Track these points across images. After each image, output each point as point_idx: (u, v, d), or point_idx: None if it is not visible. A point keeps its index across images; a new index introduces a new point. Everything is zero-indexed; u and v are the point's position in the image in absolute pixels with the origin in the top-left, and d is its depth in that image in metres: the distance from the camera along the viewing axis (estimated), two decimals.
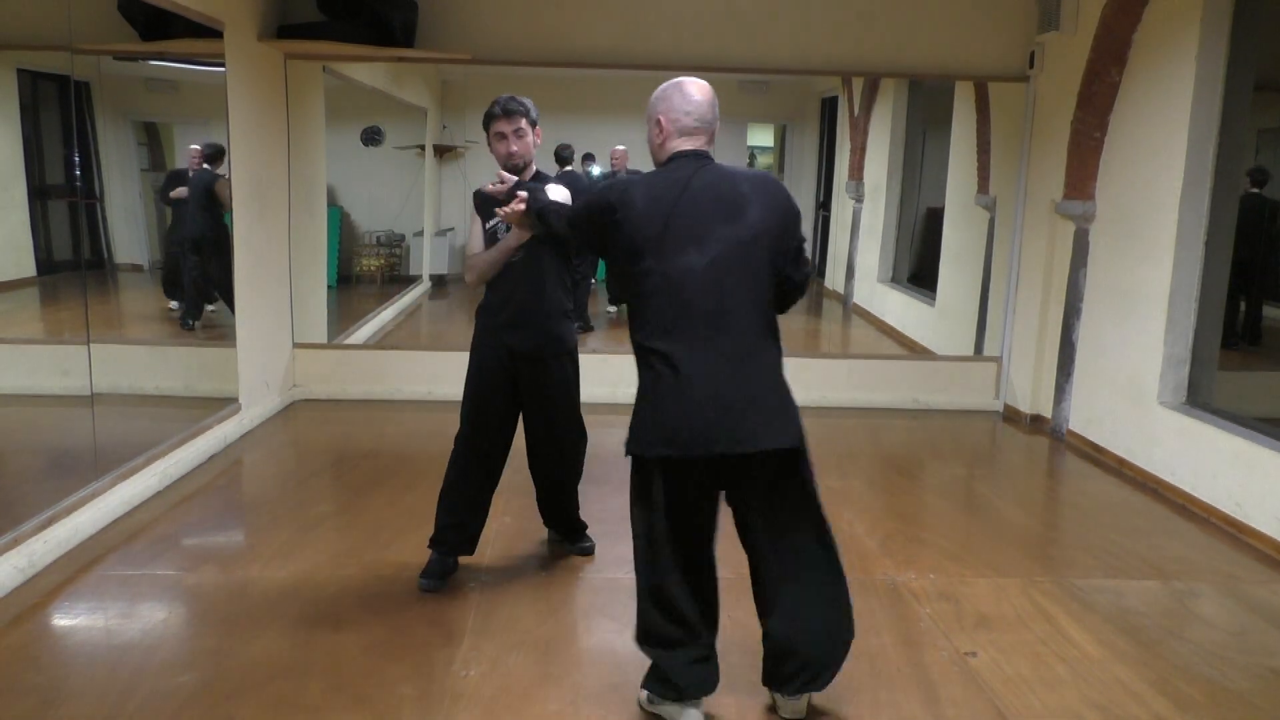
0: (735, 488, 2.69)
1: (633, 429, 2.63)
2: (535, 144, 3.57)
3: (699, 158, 2.64)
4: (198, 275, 5.98)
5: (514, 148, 3.51)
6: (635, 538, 2.73)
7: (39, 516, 3.76)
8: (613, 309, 9.48)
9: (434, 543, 3.69)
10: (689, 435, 2.52)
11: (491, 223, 3.60)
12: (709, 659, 2.76)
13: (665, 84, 2.72)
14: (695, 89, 2.67)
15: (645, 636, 2.76)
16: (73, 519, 3.94)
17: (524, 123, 3.51)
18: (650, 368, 2.59)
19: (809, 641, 2.71)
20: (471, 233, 3.69)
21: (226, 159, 5.40)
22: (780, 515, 2.67)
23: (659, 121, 2.67)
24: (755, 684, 3.00)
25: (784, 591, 2.72)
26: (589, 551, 3.95)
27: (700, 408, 2.51)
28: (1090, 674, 3.15)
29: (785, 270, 2.65)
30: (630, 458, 2.67)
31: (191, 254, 5.93)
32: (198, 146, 5.77)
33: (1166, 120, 5.07)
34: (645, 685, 2.80)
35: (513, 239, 3.48)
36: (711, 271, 2.53)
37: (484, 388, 3.64)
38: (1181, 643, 3.39)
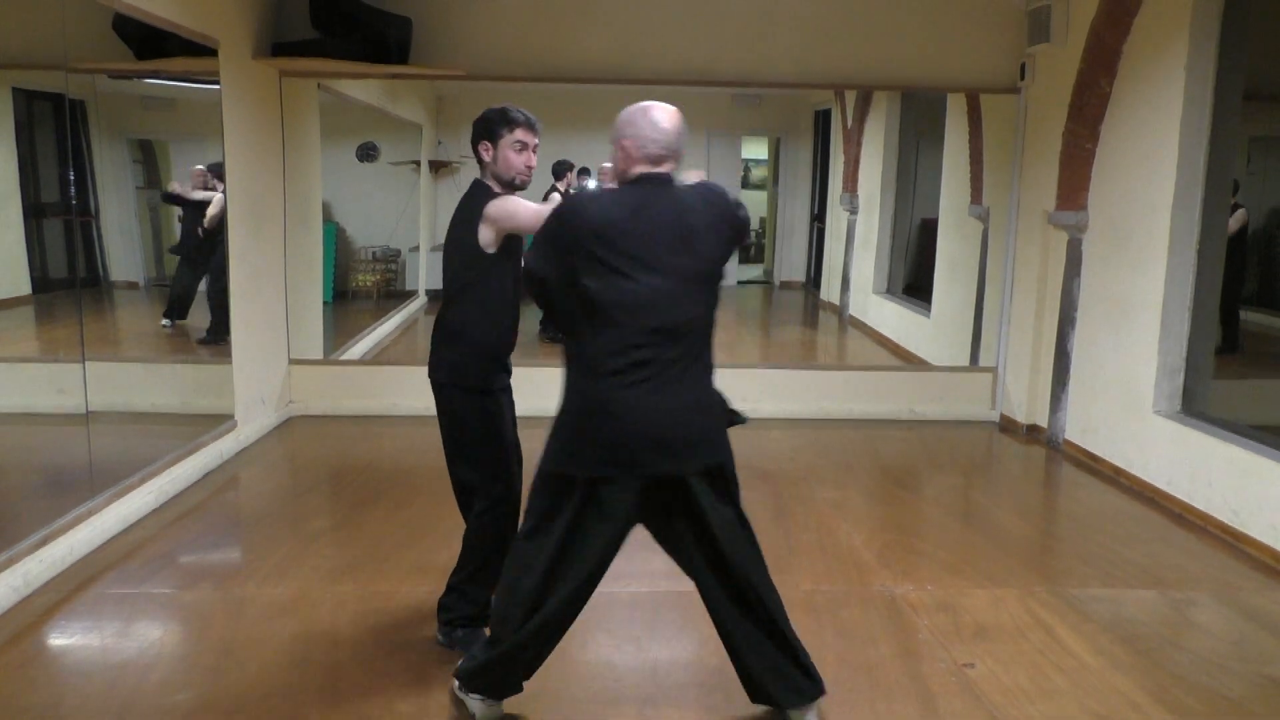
0: (665, 516, 2.70)
1: (562, 446, 2.63)
2: None
3: (659, 182, 2.63)
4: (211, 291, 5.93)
5: (532, 162, 3.27)
6: (528, 545, 2.68)
7: (35, 535, 3.75)
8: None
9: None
10: (629, 455, 2.56)
11: None
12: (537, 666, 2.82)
13: (632, 108, 2.67)
14: (664, 117, 2.64)
15: (502, 639, 2.75)
16: (69, 537, 3.93)
17: (537, 139, 3.31)
18: (590, 385, 2.58)
19: (760, 675, 2.79)
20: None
21: (223, 175, 5.43)
22: (715, 542, 2.68)
23: (624, 146, 2.64)
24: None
25: (724, 623, 2.78)
26: None
27: (642, 429, 2.55)
28: (1088, 684, 3.14)
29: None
30: (542, 471, 2.69)
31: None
32: (201, 168, 5.73)
33: (1157, 130, 5.10)
34: (466, 681, 2.82)
35: None
36: (659, 296, 2.55)
37: (510, 432, 3.26)
38: (1179, 651, 3.39)
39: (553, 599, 2.65)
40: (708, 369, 2.69)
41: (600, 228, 2.55)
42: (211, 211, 5.67)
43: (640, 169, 2.63)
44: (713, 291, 2.68)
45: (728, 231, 2.68)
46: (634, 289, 2.53)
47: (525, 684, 2.84)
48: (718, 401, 2.72)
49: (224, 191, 5.51)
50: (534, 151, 3.24)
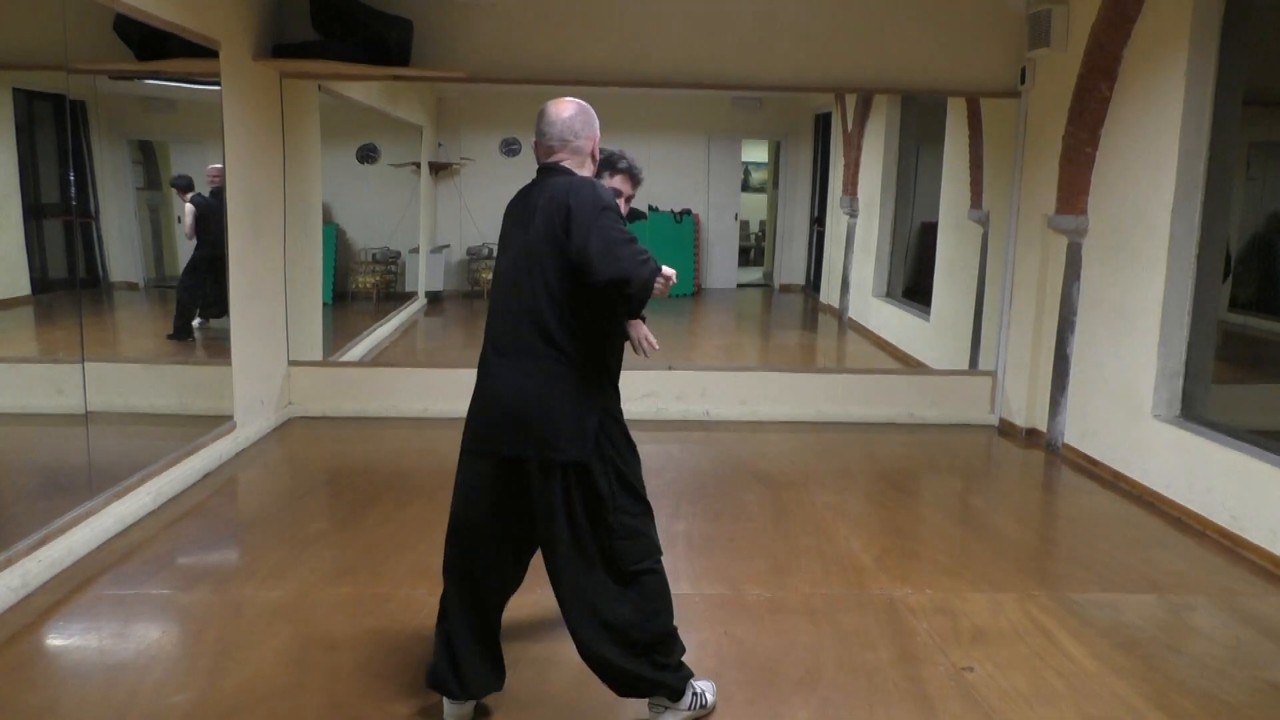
0: (524, 496, 2.72)
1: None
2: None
3: (548, 171, 2.74)
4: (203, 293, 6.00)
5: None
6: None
7: (33, 536, 3.75)
8: None
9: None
10: (475, 431, 2.70)
11: None
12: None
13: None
14: (552, 110, 2.76)
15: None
16: (67, 538, 3.92)
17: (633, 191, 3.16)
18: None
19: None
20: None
21: (223, 177, 5.43)
22: (557, 533, 2.66)
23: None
24: (753, 702, 3.01)
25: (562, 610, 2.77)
26: None
27: (486, 406, 2.67)
28: (1087, 688, 3.14)
29: (581, 271, 2.54)
30: None
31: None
32: (219, 166, 5.72)
33: (1157, 134, 5.11)
34: (428, 682, 2.86)
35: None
36: (510, 275, 2.68)
37: None
38: (1178, 656, 3.39)
39: (459, 578, 2.79)
40: (566, 361, 2.60)
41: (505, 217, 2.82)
42: (188, 222, 5.87)
43: (542, 160, 2.78)
44: (555, 273, 2.57)
45: (556, 216, 2.57)
46: (496, 268, 2.76)
47: (504, 685, 2.87)
48: (570, 397, 2.60)
49: (190, 201, 5.80)
50: (627, 202, 3.17)
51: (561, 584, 2.71)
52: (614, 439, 2.70)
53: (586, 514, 2.65)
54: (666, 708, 2.81)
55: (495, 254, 2.82)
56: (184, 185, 5.85)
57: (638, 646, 2.71)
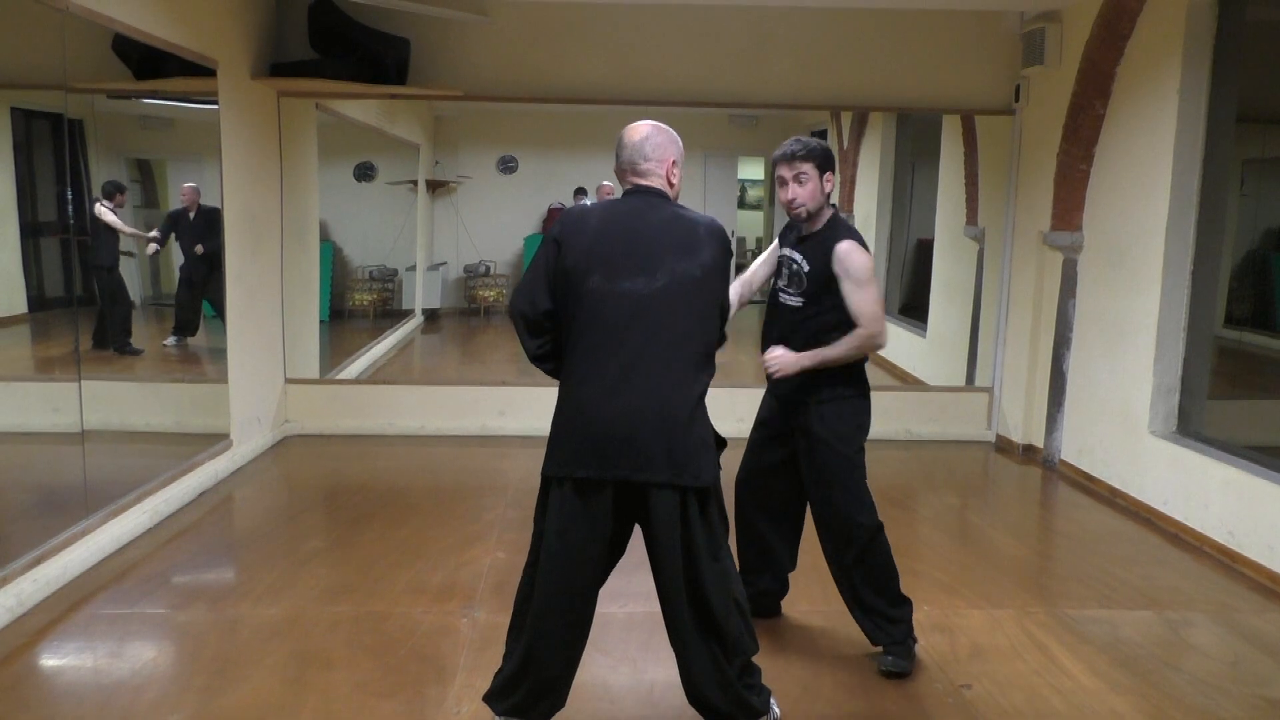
0: (642, 523, 2.65)
1: (549, 446, 2.64)
2: (825, 190, 3.35)
3: (650, 194, 2.70)
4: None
5: (790, 195, 3.32)
6: (530, 553, 2.71)
7: (28, 555, 3.74)
8: None
9: None
10: (592, 455, 2.54)
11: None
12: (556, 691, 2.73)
13: None
14: (630, 133, 2.74)
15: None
16: (62, 557, 3.91)
17: (807, 166, 3.28)
18: (576, 385, 2.61)
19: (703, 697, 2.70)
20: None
21: (220, 193, 5.45)
22: (671, 560, 2.59)
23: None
24: None
25: (673, 643, 2.71)
26: None
27: (608, 428, 2.53)
28: (1085, 705, 3.13)
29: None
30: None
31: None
32: (193, 184, 5.73)
33: (1151, 152, 5.13)
34: (490, 701, 2.77)
35: None
36: (657, 299, 2.57)
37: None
38: (1176, 673, 3.38)
39: (536, 609, 2.64)
40: (701, 384, 2.62)
41: (602, 231, 2.64)
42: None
43: (627, 181, 2.75)
44: (711, 300, 2.66)
45: (725, 254, 2.70)
46: (606, 287, 2.57)
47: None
48: (704, 419, 2.63)
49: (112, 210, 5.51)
50: (797, 182, 3.31)
51: (681, 622, 2.63)
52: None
53: (706, 542, 2.60)
54: None
55: (581, 269, 2.59)
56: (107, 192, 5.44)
57: (736, 674, 2.67)
